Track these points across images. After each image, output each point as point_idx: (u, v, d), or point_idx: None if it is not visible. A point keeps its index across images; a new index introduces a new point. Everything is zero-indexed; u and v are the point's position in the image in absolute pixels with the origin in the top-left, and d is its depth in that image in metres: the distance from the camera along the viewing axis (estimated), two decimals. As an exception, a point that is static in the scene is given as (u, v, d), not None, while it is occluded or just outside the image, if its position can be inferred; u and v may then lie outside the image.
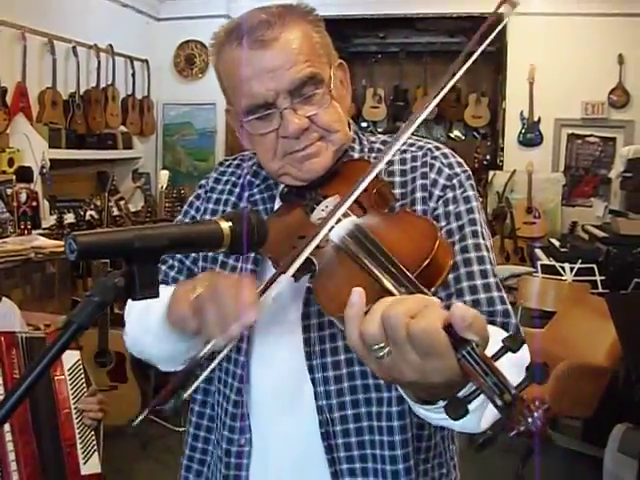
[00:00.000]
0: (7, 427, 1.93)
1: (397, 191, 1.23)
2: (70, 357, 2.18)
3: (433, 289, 0.92)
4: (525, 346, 1.15)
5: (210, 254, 1.35)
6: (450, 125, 8.30)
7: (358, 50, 8.40)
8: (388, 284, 0.91)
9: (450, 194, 1.22)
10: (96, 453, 2.17)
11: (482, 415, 0.86)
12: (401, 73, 7.89)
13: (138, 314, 1.29)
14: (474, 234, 1.19)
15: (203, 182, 1.43)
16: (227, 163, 1.44)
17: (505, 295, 1.19)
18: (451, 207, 1.21)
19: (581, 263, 5.13)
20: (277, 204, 1.30)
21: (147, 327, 1.20)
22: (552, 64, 6.51)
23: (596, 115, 6.62)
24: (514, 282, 5.28)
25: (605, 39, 6.42)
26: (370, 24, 7.59)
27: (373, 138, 1.34)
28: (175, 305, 1.07)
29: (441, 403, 0.86)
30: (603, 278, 5.04)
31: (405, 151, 1.28)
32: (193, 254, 1.37)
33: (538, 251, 5.84)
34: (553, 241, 6.14)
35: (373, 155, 1.29)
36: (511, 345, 0.78)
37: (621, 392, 3.93)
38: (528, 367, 0.77)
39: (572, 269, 5.13)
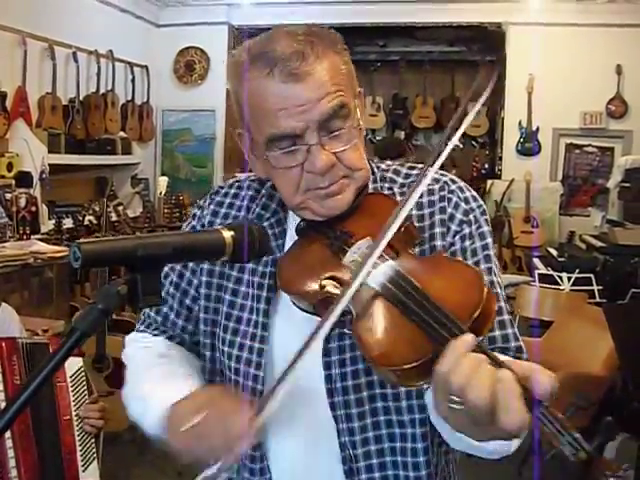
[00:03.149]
0: (7, 433, 1.92)
1: (415, 225, 1.20)
2: (72, 364, 2.17)
3: (481, 337, 0.90)
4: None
5: (214, 293, 1.30)
6: (449, 134, 8.30)
7: (358, 58, 8.30)
8: (444, 334, 0.88)
9: (467, 230, 1.21)
10: (95, 461, 2.17)
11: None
12: (400, 81, 7.90)
13: (133, 386, 1.28)
14: (489, 271, 1.19)
15: (197, 212, 1.36)
16: (223, 192, 1.36)
17: (517, 331, 1.20)
18: (467, 243, 1.20)
19: (578, 273, 5.14)
20: (289, 238, 1.26)
21: (142, 415, 1.19)
22: (551, 74, 6.54)
23: (594, 125, 6.65)
24: (512, 291, 5.28)
25: (604, 49, 6.46)
26: (370, 32, 7.60)
27: (383, 166, 1.31)
28: (170, 435, 1.06)
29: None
30: (600, 288, 5.05)
31: None
32: (195, 282, 1.32)
33: (536, 260, 5.85)
34: (551, 250, 6.15)
35: (387, 185, 1.26)
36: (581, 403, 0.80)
37: (618, 402, 3.93)
38: (601, 426, 0.79)
39: (569, 278, 5.14)
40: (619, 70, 6.50)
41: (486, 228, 1.23)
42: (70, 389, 2.14)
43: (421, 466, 1.19)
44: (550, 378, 0.81)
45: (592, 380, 3.82)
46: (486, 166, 7.70)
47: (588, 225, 6.68)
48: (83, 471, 2.11)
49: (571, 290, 5.06)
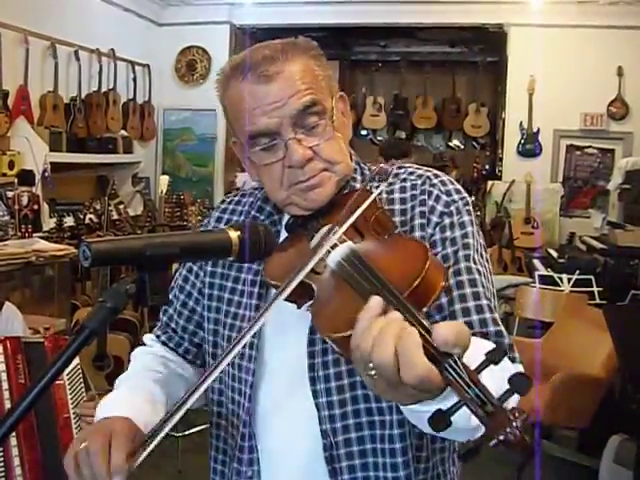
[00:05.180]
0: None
1: (397, 219, 1.25)
2: None
3: (425, 309, 0.94)
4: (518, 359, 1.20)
5: (216, 292, 1.37)
6: (449, 134, 8.32)
7: (359, 58, 8.43)
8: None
9: (447, 220, 1.24)
10: (93, 459, 2.17)
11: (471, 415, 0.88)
12: (401, 82, 7.91)
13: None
14: (466, 258, 1.22)
15: (205, 222, 1.47)
16: (228, 200, 1.46)
17: (498, 317, 1.21)
18: (447, 233, 1.23)
19: (579, 274, 5.15)
20: (282, 237, 1.32)
21: None
22: (552, 75, 6.55)
23: (595, 127, 6.65)
24: (512, 292, 5.29)
25: (604, 51, 6.46)
26: (372, 33, 7.62)
27: (374, 167, 1.37)
28: (66, 456, 1.11)
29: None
30: (600, 289, 5.06)
31: (405, 179, 1.30)
32: (198, 285, 1.40)
33: (536, 261, 5.86)
34: (551, 252, 6.15)
35: (375, 184, 1.30)
36: (493, 357, 0.81)
37: (617, 403, 3.94)
38: (510, 379, 0.79)
39: (570, 280, 5.14)
40: (620, 72, 6.50)
41: (467, 218, 1.25)
42: (67, 387, 2.14)
43: (397, 453, 1.21)
44: (454, 328, 0.82)
45: (591, 381, 3.83)
46: (487, 167, 7.72)
47: (588, 227, 6.68)
48: (81, 469, 2.11)
49: (571, 291, 5.07)
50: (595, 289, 5.06)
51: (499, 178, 7.00)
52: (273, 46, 1.23)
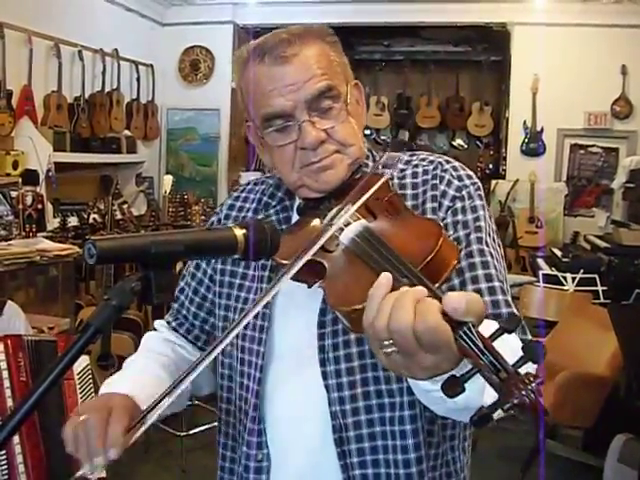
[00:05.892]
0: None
1: (409, 203, 1.27)
2: (80, 361, 2.18)
3: (437, 285, 0.94)
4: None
5: (227, 279, 1.38)
6: (453, 133, 8.30)
7: (363, 58, 8.41)
8: (394, 275, 0.92)
9: (459, 204, 1.25)
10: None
11: (484, 388, 0.86)
12: (405, 81, 7.90)
13: None
14: (479, 240, 1.23)
15: (217, 209, 1.49)
16: (240, 189, 1.48)
17: (510, 299, 1.22)
18: (459, 217, 1.25)
19: (583, 273, 5.14)
20: (294, 221, 1.33)
21: None
22: (555, 74, 6.54)
23: (599, 125, 6.64)
24: (516, 291, 5.28)
25: (609, 50, 6.45)
26: (375, 32, 7.61)
27: (385, 154, 1.37)
28: (65, 426, 1.15)
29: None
30: (605, 288, 5.05)
31: (417, 165, 1.32)
32: (209, 272, 1.42)
33: (540, 260, 5.85)
34: (555, 251, 6.15)
35: (386, 171, 1.31)
36: (507, 326, 0.81)
37: (622, 402, 3.93)
38: (525, 346, 0.79)
39: (574, 279, 5.14)
40: (624, 70, 6.49)
41: (478, 202, 1.27)
42: (77, 386, 2.15)
43: (408, 435, 1.21)
44: (464, 296, 0.81)
45: (596, 380, 3.82)
46: (490, 166, 7.69)
47: (592, 226, 6.67)
48: (89, 467, 2.12)
49: (575, 290, 5.07)
50: (599, 288, 5.06)
51: (503, 177, 6.99)
52: (290, 30, 1.25)
